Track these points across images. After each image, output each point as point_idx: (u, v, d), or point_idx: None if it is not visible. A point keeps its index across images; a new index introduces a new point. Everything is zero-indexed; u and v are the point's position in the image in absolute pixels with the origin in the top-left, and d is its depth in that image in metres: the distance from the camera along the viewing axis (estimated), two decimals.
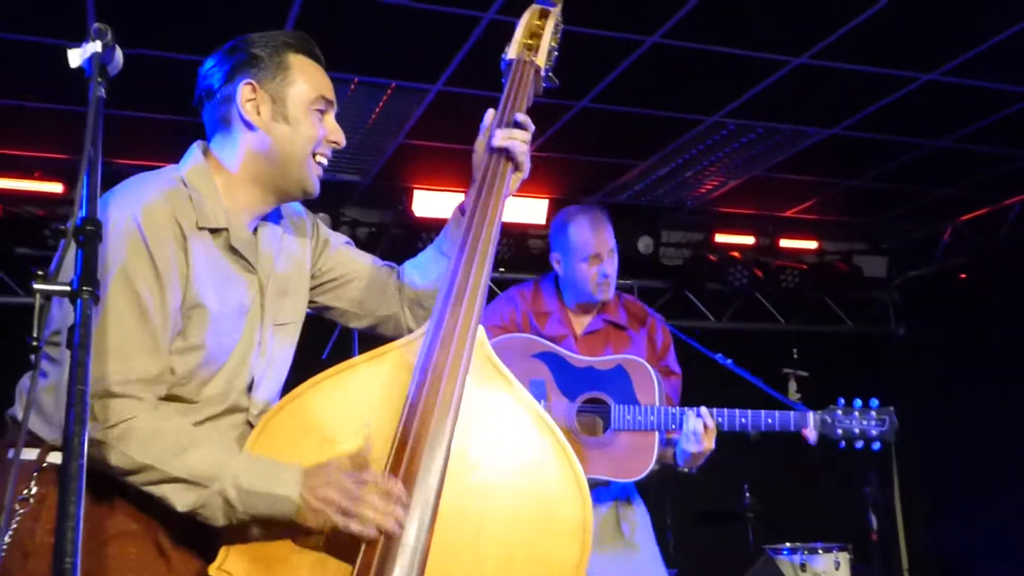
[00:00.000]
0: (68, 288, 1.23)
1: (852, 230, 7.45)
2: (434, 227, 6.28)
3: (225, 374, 1.77)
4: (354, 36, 4.27)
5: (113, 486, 1.64)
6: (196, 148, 1.87)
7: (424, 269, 2.05)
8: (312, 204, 6.82)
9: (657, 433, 2.84)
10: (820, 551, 5.30)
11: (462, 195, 6.95)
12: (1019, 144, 5.68)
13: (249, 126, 1.80)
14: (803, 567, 5.25)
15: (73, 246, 1.29)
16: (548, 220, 6.53)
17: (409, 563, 1.52)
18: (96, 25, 1.49)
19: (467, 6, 4.00)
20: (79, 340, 1.16)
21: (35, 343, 1.25)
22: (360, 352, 4.52)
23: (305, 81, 1.85)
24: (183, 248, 1.69)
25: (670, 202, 6.66)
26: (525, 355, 2.90)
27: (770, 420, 2.84)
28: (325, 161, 1.88)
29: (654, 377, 2.86)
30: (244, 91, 1.80)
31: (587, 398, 2.91)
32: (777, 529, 6.06)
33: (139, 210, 1.66)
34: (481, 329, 1.71)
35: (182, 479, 1.57)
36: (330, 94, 1.88)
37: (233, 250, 1.79)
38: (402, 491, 1.55)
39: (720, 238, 7.21)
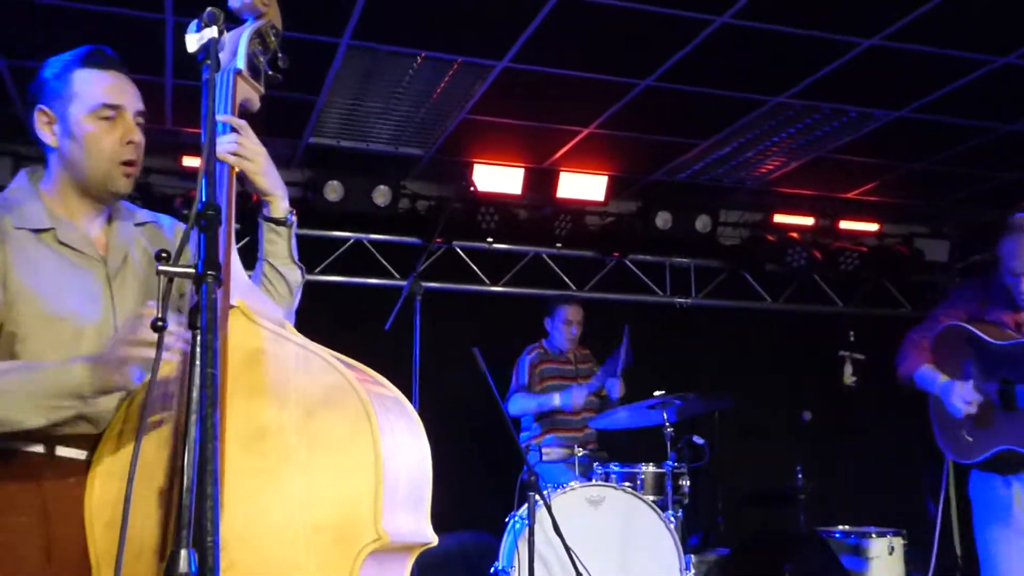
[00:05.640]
0: (192, 271, 1.28)
1: (914, 213, 7.34)
2: (493, 202, 6.32)
3: (84, 352, 1.88)
4: (421, 12, 4.29)
5: None
6: (21, 171, 2.06)
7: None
8: (374, 177, 6.84)
9: None
10: (874, 535, 5.27)
11: (522, 169, 6.92)
12: None
13: (49, 148, 1.98)
14: (857, 550, 5.24)
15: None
16: (607, 198, 6.54)
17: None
18: (210, 10, 1.54)
19: None
20: (206, 323, 1.20)
21: (159, 323, 1.30)
22: (422, 322, 4.57)
23: (84, 95, 1.96)
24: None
25: (729, 182, 6.61)
26: (961, 341, 3.41)
27: None
28: (130, 164, 1.99)
29: None
30: (39, 118, 1.97)
31: (1005, 379, 3.27)
32: (828, 511, 6.05)
33: None
34: (243, 303, 1.79)
35: None
36: (115, 98, 1.97)
37: (65, 245, 1.95)
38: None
39: (779, 218, 7.15)
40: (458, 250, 6.77)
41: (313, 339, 2.22)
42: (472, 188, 5.93)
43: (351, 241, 6.60)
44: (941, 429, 3.52)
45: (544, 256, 7.00)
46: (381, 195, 6.13)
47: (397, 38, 4.55)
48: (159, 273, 1.29)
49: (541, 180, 6.36)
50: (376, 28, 4.42)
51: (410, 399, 4.21)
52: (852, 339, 6.79)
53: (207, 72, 1.51)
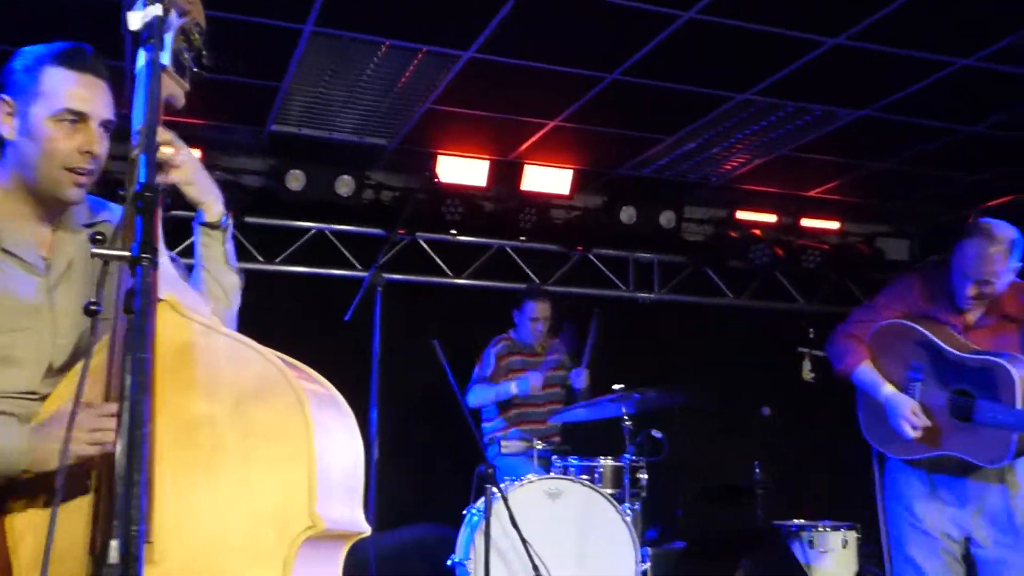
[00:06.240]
0: (128, 254, 1.25)
1: (875, 212, 7.41)
2: (458, 194, 6.29)
3: (19, 365, 1.86)
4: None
5: None
6: None
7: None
8: (337, 166, 6.77)
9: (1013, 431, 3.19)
10: (828, 529, 5.33)
11: (487, 161, 6.88)
12: None
13: (7, 141, 1.93)
14: (811, 544, 5.30)
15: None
16: (572, 191, 6.53)
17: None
18: None
19: None
20: (139, 307, 1.17)
21: (93, 307, 1.27)
22: (384, 314, 4.54)
23: (50, 95, 1.90)
24: None
25: (694, 177, 6.63)
26: (908, 340, 3.42)
27: None
28: (83, 174, 1.93)
29: (1015, 381, 3.17)
30: (0, 107, 1.91)
31: (958, 389, 3.32)
32: (787, 506, 6.10)
33: None
34: (172, 297, 1.78)
35: None
36: (81, 105, 1.91)
37: (7, 252, 1.90)
38: (111, 408, 1.63)
39: (742, 215, 7.19)
40: (421, 242, 6.74)
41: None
42: (435, 179, 5.90)
43: (313, 231, 6.54)
44: (871, 422, 3.58)
45: (508, 249, 6.98)
46: (344, 185, 6.08)
47: (361, 25, 4.51)
48: (93, 256, 1.26)
49: (506, 173, 6.34)
50: (340, 15, 4.37)
51: (369, 391, 4.21)
52: (811, 336, 6.84)
53: (150, 51, 1.47)
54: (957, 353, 3.33)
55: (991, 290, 3.30)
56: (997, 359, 3.24)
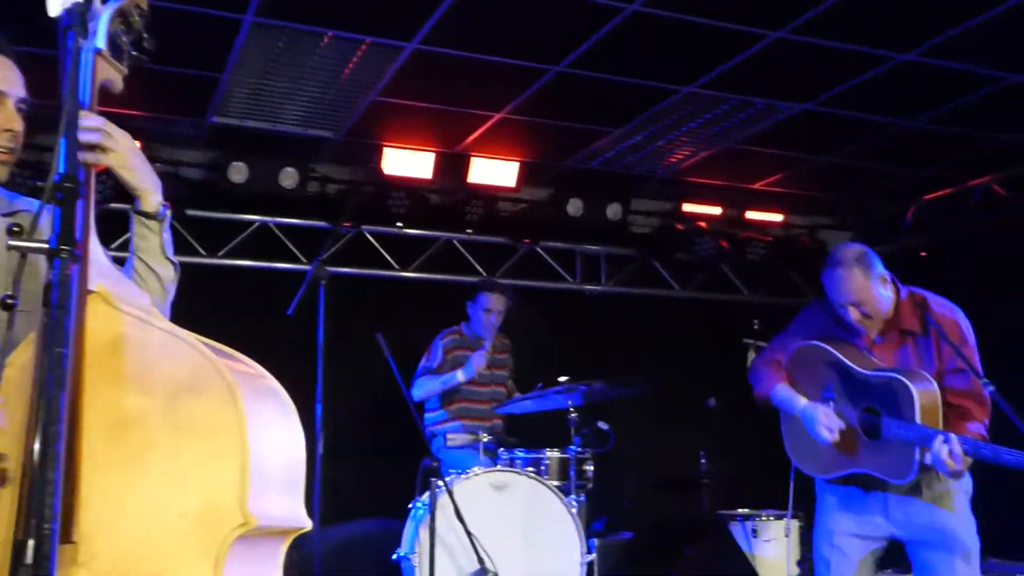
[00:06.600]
0: (46, 246, 1.21)
1: (818, 205, 7.52)
2: (404, 186, 6.25)
3: None
4: None
5: None
6: None
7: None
8: (281, 159, 6.65)
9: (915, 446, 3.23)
10: (772, 518, 5.41)
11: (433, 154, 6.84)
12: (986, 127, 5.76)
13: None
14: (755, 533, 5.37)
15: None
16: (519, 184, 6.53)
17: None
18: None
19: None
20: (57, 300, 1.13)
21: (9, 300, 1.23)
22: (329, 308, 4.49)
23: None
24: None
25: (641, 170, 6.66)
26: (820, 362, 3.47)
27: (1012, 457, 3.08)
28: (6, 153, 1.92)
29: (914, 396, 3.21)
30: None
31: (867, 407, 3.36)
32: (732, 495, 6.17)
33: None
34: (104, 289, 1.71)
35: None
36: None
37: None
38: None
39: (688, 208, 7.25)
40: (367, 235, 6.69)
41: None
42: (378, 171, 5.86)
43: (256, 224, 6.45)
44: (794, 444, 3.62)
45: (455, 242, 6.96)
46: (288, 177, 6.01)
47: (302, 16, 4.45)
48: (10, 248, 1.21)
49: (452, 165, 6.32)
50: (280, 5, 4.31)
51: (314, 385, 4.16)
52: (757, 327, 6.93)
53: (71, 39, 1.43)
54: (863, 371, 3.37)
55: (871, 307, 3.32)
56: (898, 375, 3.27)
